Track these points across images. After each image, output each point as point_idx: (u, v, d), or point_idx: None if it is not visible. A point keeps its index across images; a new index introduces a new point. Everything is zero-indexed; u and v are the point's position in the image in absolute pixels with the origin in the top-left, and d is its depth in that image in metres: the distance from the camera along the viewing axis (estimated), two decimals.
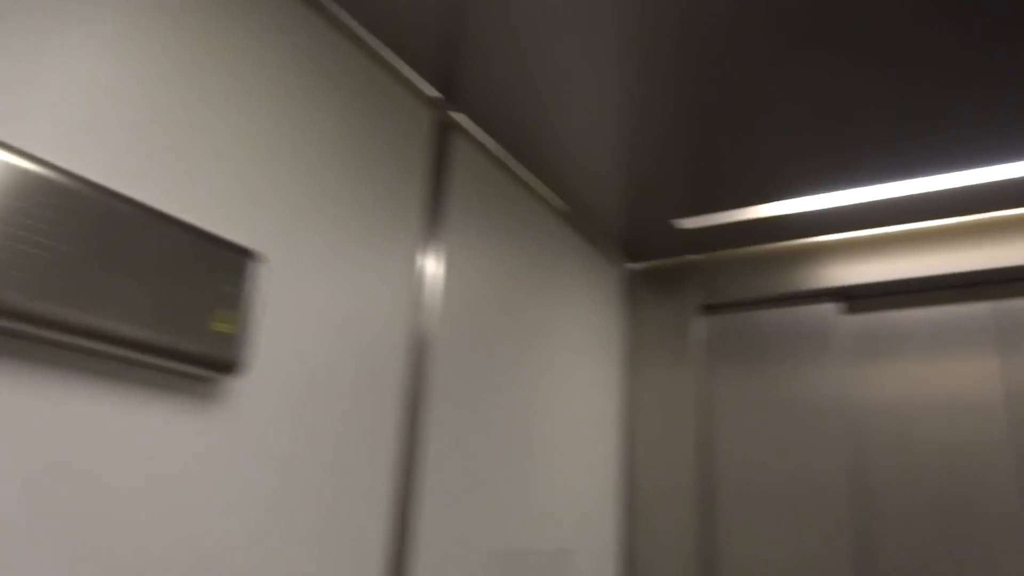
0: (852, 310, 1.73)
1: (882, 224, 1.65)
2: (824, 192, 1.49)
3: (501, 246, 1.42)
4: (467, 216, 1.32)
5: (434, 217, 1.23)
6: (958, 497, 1.51)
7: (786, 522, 1.64)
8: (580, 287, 1.71)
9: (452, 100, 1.26)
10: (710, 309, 1.86)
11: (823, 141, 1.32)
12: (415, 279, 1.17)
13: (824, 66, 1.12)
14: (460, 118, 1.31)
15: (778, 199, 1.54)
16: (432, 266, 1.21)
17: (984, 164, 1.36)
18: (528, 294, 1.49)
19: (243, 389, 0.88)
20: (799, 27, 1.04)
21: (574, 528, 1.57)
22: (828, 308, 1.73)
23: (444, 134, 1.28)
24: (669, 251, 1.85)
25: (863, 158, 1.36)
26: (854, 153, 1.35)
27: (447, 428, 1.21)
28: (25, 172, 0.65)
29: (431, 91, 1.24)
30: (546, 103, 1.25)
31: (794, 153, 1.36)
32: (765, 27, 1.04)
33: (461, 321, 1.27)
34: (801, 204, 1.54)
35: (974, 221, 1.59)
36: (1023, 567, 1.42)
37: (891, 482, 1.58)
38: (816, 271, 1.72)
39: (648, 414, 1.81)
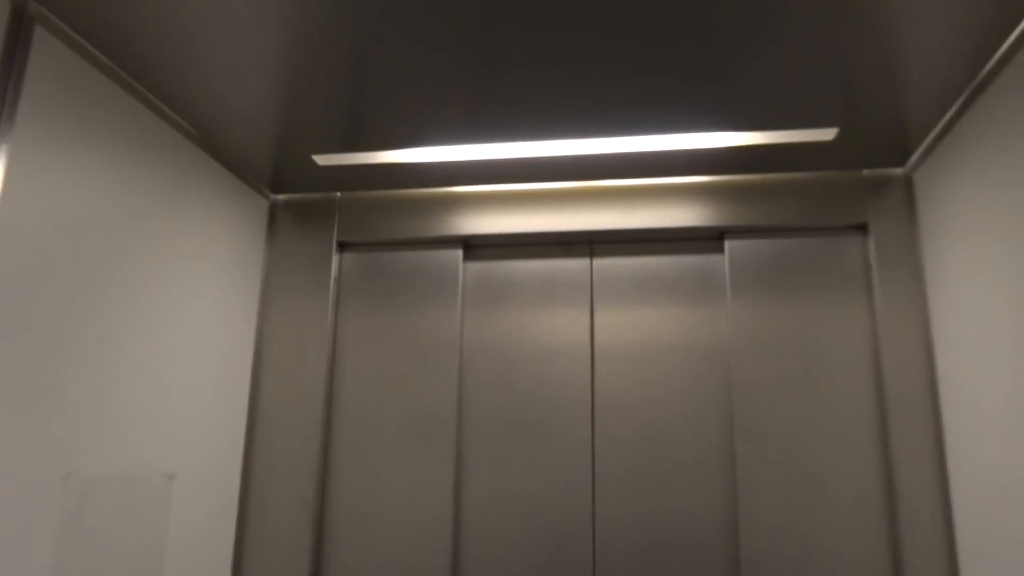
0: (469, 258, 1.92)
1: (503, 181, 1.83)
2: (456, 145, 1.62)
3: (99, 161, 1.33)
4: (49, 125, 1.21)
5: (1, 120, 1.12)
6: (544, 424, 1.79)
7: (400, 449, 1.80)
8: (215, 212, 1.68)
9: None
10: (346, 246, 1.94)
11: (459, 97, 1.42)
12: None
13: (467, 28, 1.20)
14: (47, 13, 1.19)
15: (415, 146, 1.63)
16: None
17: (594, 136, 1.57)
18: (136, 213, 1.43)
19: None
20: None
21: (190, 453, 1.57)
22: (450, 254, 1.90)
23: (21, 28, 1.15)
24: (311, 186, 1.89)
25: (492, 118, 1.50)
26: (485, 113, 1.48)
27: (8, 347, 1.13)
28: None
29: None
30: (167, 17, 1.18)
31: (433, 105, 1.45)
32: None
33: (29, 234, 1.18)
34: (435, 154, 1.65)
35: (578, 187, 1.83)
36: (586, 475, 1.74)
37: (490, 413, 1.82)
38: (443, 219, 1.87)
39: (280, 344, 1.85)
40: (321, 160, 1.70)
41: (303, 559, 1.72)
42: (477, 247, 1.92)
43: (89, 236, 1.31)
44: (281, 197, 1.94)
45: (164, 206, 1.51)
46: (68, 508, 1.25)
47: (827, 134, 1.52)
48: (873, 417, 1.65)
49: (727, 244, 1.79)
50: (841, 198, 1.73)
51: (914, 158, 1.66)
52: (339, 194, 1.91)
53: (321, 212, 1.91)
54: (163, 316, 1.51)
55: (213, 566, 1.67)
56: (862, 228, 1.74)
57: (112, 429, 1.36)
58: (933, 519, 1.54)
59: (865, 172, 1.73)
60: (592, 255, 1.87)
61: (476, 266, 1.91)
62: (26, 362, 1.17)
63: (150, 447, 1.46)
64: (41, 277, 1.20)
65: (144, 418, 1.45)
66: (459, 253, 1.89)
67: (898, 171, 1.71)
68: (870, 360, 1.68)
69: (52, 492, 1.21)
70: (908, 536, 1.55)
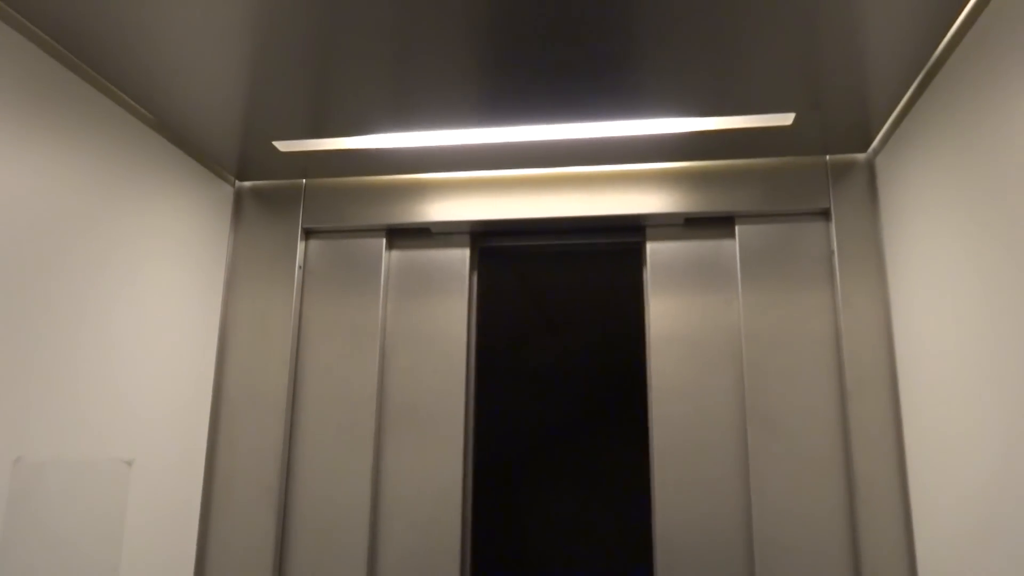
0: (391, 247, 1.94)
1: (464, 168, 1.83)
2: (418, 131, 1.61)
3: (59, 150, 1.32)
4: (5, 114, 1.23)
5: None
6: (424, 410, 1.82)
7: (362, 436, 1.81)
8: (179, 200, 1.68)
9: None
10: (311, 233, 1.94)
11: (418, 84, 1.42)
12: None
13: (427, 19, 1.20)
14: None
15: (376, 133, 1.63)
16: None
17: (557, 122, 1.57)
18: (98, 200, 1.43)
19: None
20: None
21: (151, 439, 1.58)
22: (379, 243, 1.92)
23: None
24: (276, 173, 1.88)
25: (452, 106, 1.50)
26: (444, 100, 1.47)
27: None
28: None
29: None
30: (124, 3, 1.18)
31: (392, 92, 1.45)
32: None
33: None
34: (395, 140, 1.65)
35: (546, 174, 1.82)
36: (455, 457, 1.77)
37: (399, 398, 1.85)
38: (407, 206, 1.87)
39: (245, 330, 1.86)
40: (282, 146, 1.70)
41: (267, 546, 1.73)
42: (398, 235, 1.94)
43: (48, 222, 1.30)
44: (246, 184, 1.93)
45: (127, 193, 1.51)
46: (16, 493, 1.25)
47: (785, 119, 1.52)
48: (835, 401, 1.66)
49: (738, 229, 1.78)
50: (805, 184, 1.73)
51: (875, 143, 1.65)
52: (304, 181, 1.91)
53: (286, 199, 1.91)
54: (125, 301, 1.50)
55: (176, 554, 1.67)
56: (825, 214, 1.74)
57: (67, 414, 1.35)
58: (890, 494, 1.55)
59: (828, 158, 1.73)
60: (477, 243, 1.86)
61: (397, 255, 1.92)
62: None
63: (108, 432, 1.46)
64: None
65: (103, 403, 1.44)
66: (384, 241, 1.90)
67: (860, 156, 1.71)
68: (832, 344, 1.68)
69: (0, 476, 1.21)
70: (865, 509, 1.55)
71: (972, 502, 1.25)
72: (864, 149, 1.69)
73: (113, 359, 1.48)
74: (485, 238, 1.93)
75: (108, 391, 1.46)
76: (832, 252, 1.71)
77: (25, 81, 1.27)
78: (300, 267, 1.89)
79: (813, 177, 1.73)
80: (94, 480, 1.43)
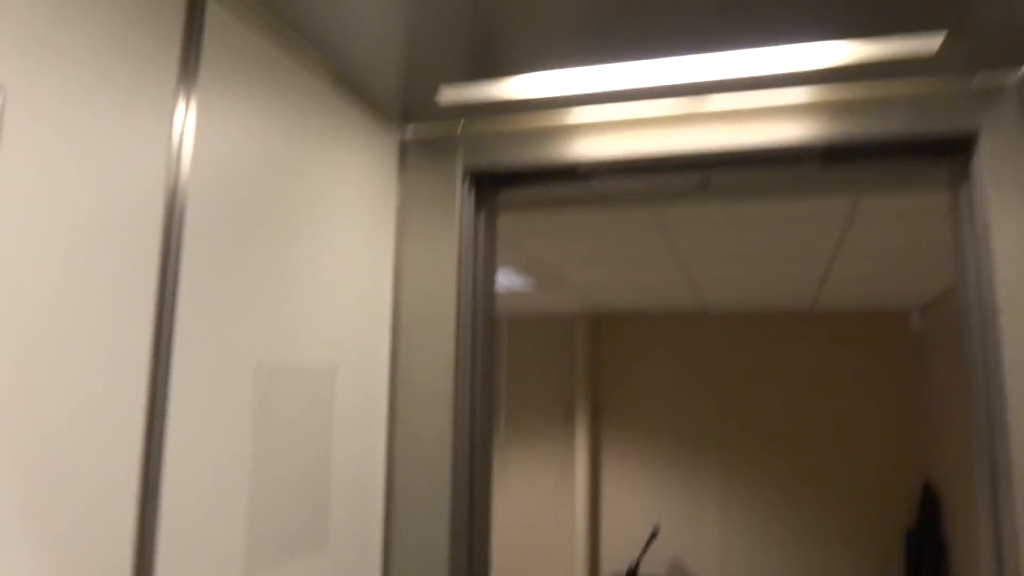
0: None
1: (613, 101, 1.91)
2: (575, 67, 1.70)
3: (262, 108, 1.54)
4: (224, 77, 1.43)
5: (188, 77, 1.34)
6: None
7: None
8: (353, 149, 1.89)
9: None
10: (474, 175, 2.10)
11: (576, 17, 1.51)
12: (170, 137, 1.30)
13: None
14: None
15: (540, 70, 1.72)
16: (189, 126, 1.34)
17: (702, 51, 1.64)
18: (294, 155, 1.65)
19: None
20: None
21: (346, 350, 1.82)
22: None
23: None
24: (440, 117, 2.03)
25: (614, 38, 1.59)
26: (599, 31, 1.56)
27: (212, 258, 1.38)
28: None
29: None
30: None
31: (557, 27, 1.54)
32: None
33: (218, 177, 1.41)
34: (555, 79, 1.73)
35: (690, 110, 1.90)
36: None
37: None
38: (560, 145, 1.99)
39: (417, 262, 2.07)
40: (452, 91, 1.84)
41: (445, 441, 1.98)
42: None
43: (259, 180, 1.55)
44: (411, 131, 2.13)
45: (313, 148, 1.74)
46: (259, 393, 1.50)
47: (935, 38, 1.54)
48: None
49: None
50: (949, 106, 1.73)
51: None
52: (462, 121, 2.07)
53: (449, 143, 2.09)
54: (324, 237, 1.75)
55: (370, 447, 1.94)
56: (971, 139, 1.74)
57: (286, 328, 1.61)
58: None
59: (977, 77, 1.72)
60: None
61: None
62: (225, 270, 1.43)
63: (316, 343, 1.72)
64: (231, 202, 1.46)
65: (311, 318, 1.70)
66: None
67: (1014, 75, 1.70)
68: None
69: (246, 377, 1.47)
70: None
71: None
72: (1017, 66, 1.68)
73: (317, 286, 1.73)
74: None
75: (315, 309, 1.72)
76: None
77: (245, 54, 1.50)
78: (465, 207, 2.07)
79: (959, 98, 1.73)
80: (309, 384, 1.68)
